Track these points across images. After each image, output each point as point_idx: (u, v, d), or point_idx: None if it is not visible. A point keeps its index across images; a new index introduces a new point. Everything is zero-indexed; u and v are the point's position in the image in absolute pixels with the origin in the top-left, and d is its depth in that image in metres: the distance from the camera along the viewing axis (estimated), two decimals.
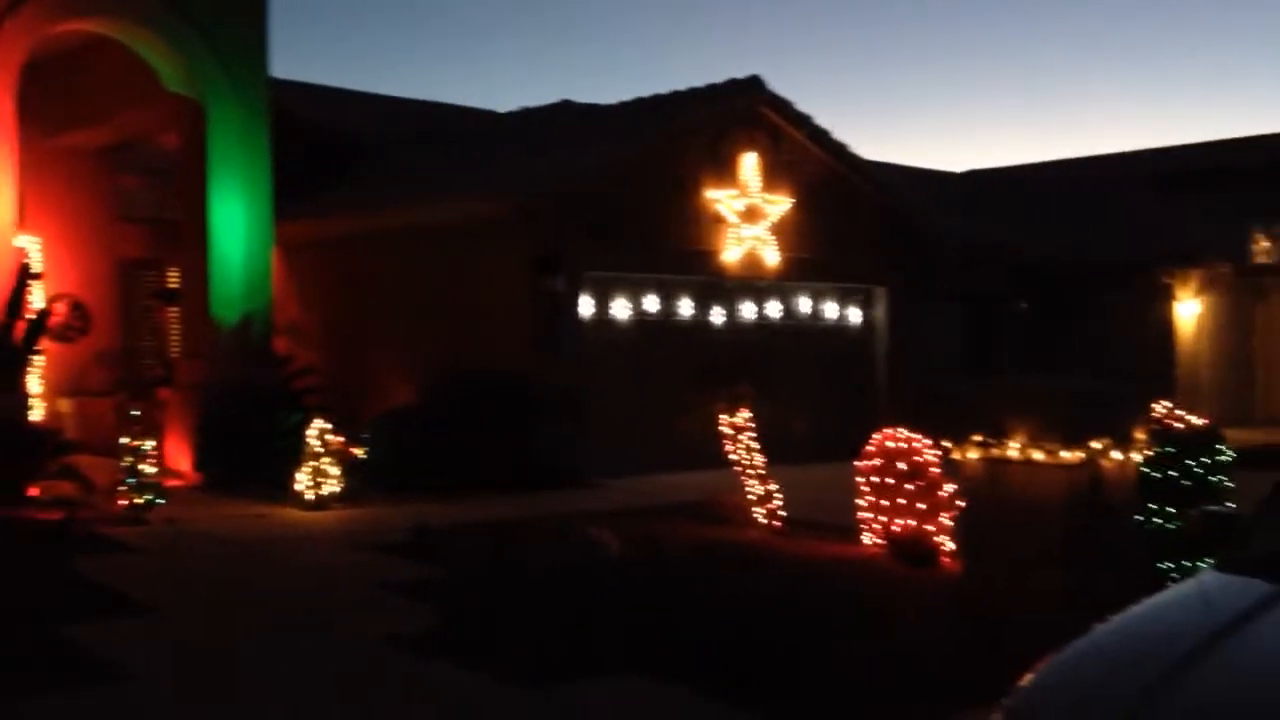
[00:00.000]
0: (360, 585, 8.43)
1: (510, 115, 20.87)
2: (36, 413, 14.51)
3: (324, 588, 8.47)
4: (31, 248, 15.39)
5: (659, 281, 15.13)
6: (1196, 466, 8.20)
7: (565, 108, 19.43)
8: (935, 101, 75.35)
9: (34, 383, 14.60)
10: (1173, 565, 7.71)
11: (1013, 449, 7.82)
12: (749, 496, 10.76)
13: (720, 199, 15.40)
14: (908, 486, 9.36)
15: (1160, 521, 8.07)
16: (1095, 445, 7.68)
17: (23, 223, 14.50)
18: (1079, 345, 19.79)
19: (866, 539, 9.73)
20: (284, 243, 15.52)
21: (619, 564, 8.96)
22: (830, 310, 17.11)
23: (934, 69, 75.21)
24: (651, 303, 15.02)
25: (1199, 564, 4.49)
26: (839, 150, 16.70)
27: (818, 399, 16.05)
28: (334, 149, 18.20)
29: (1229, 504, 7.59)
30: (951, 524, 9.08)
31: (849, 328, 17.37)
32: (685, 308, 15.39)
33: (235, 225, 13.84)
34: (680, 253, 15.08)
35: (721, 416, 10.90)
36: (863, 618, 7.71)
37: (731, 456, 10.85)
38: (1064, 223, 21.88)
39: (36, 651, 6.63)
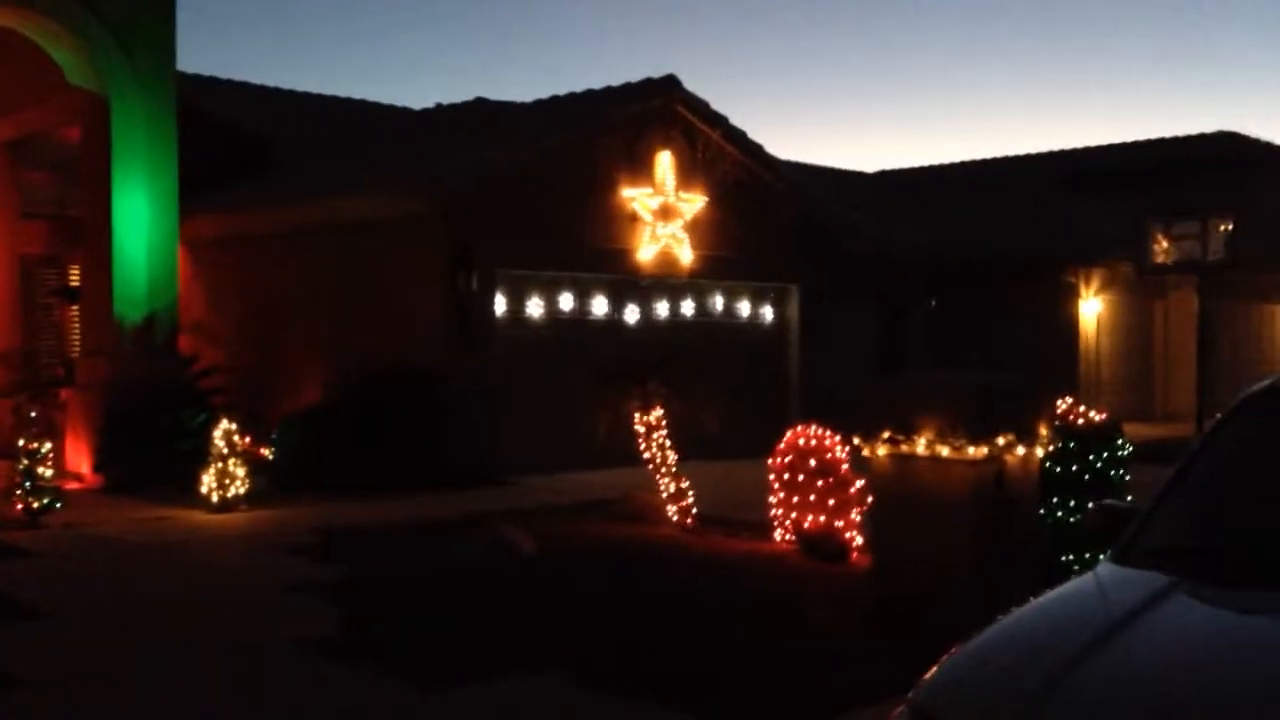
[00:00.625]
0: (266, 588, 8.27)
1: (425, 112, 20.68)
2: None
3: (228, 591, 8.29)
4: None
5: (574, 279, 15.09)
6: (1097, 461, 8.38)
7: (480, 105, 19.30)
8: (848, 102, 76.34)
9: None
10: (1073, 558, 7.87)
11: (920, 445, 7.92)
12: (662, 494, 10.78)
13: (636, 197, 15.41)
14: (818, 483, 9.45)
15: (1061, 515, 8.24)
16: (1000, 441, 7.82)
17: None
18: (987, 342, 20.17)
19: (778, 535, 9.80)
20: (191, 240, 15.18)
21: (531, 563, 8.92)
22: (744, 309, 17.23)
23: (848, 71, 76.20)
24: (566, 301, 14.98)
25: (1098, 557, 4.59)
26: (754, 150, 16.81)
27: (731, 397, 16.15)
28: (245, 145, 17.86)
29: (1127, 498, 7.79)
30: (861, 520, 9.18)
31: (762, 326, 17.51)
32: (600, 306, 15.38)
33: (139, 221, 13.51)
34: (595, 251, 15.06)
35: (635, 414, 10.90)
36: (773, 613, 7.76)
37: (645, 454, 10.86)
38: (973, 222, 22.30)
39: None
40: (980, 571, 7.59)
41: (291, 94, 21.40)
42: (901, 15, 78.85)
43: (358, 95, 23.08)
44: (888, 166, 31.26)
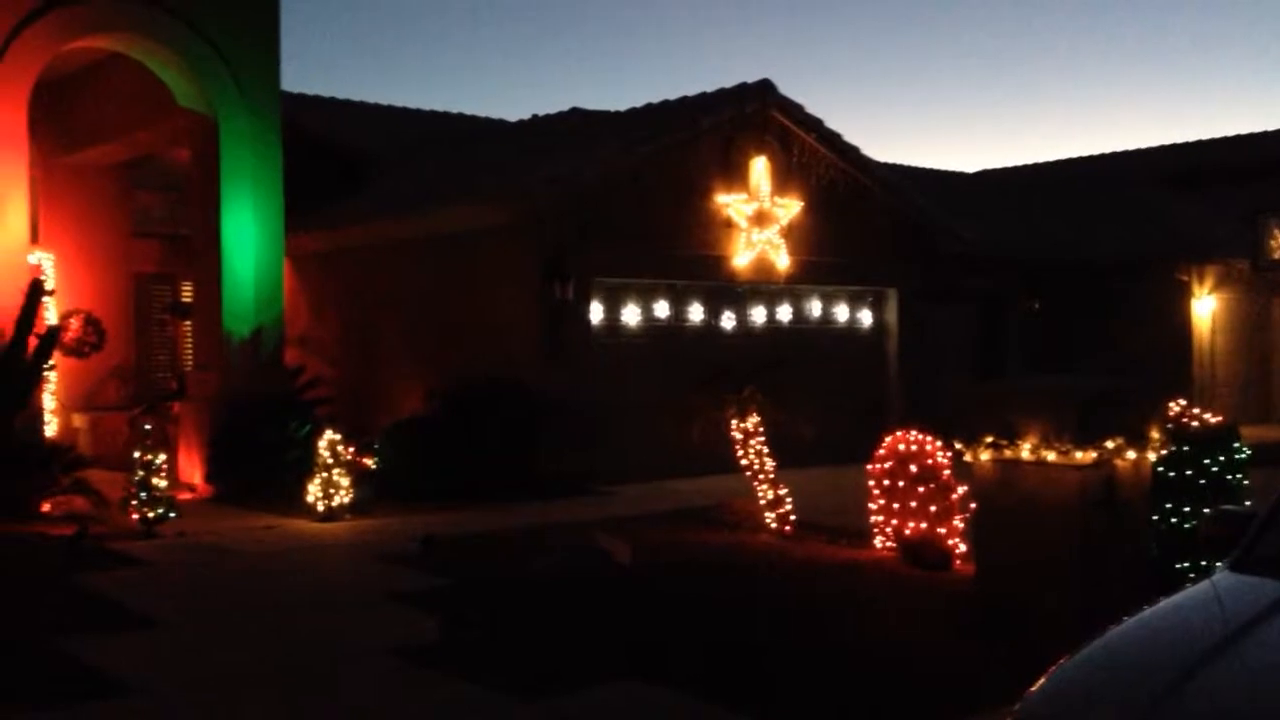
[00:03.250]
0: (368, 596, 8.40)
1: (521, 124, 20.89)
2: (50, 428, 14.57)
3: (332, 599, 8.44)
4: (46, 264, 15.47)
5: (669, 287, 15.09)
6: (1212, 465, 8.08)
7: (574, 115, 19.43)
8: (946, 102, 75.17)
9: (48, 398, 14.66)
10: (1188, 566, 7.60)
11: (1025, 450, 7.71)
12: (759, 501, 10.70)
13: (731, 203, 15.35)
14: (919, 489, 9.29)
15: (1176, 521, 7.97)
16: (1109, 445, 7.58)
17: (37, 239, 14.60)
18: (1093, 344, 19.64)
19: (878, 542, 9.65)
20: (295, 254, 15.54)
21: (628, 571, 8.91)
22: (841, 313, 17.04)
23: (944, 70, 75.04)
24: (662, 308, 14.98)
25: (1215, 565, 4.41)
26: (850, 153, 16.64)
27: (829, 402, 15.97)
28: (346, 161, 18.25)
29: (1245, 503, 7.49)
30: (963, 526, 9.00)
31: (860, 330, 17.29)
32: (696, 313, 15.34)
33: (247, 238, 13.86)
34: (691, 258, 15.04)
35: (732, 421, 10.84)
36: (872, 621, 7.64)
37: (742, 461, 10.79)
38: (1078, 221, 21.75)
39: (39, 666, 6.61)
40: (1088, 579, 7.37)
41: (391, 110, 21.82)
42: (1000, 12, 77.46)
43: (456, 109, 23.41)
44: (989, 166, 30.68)
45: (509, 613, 7.94)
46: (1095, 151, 31.91)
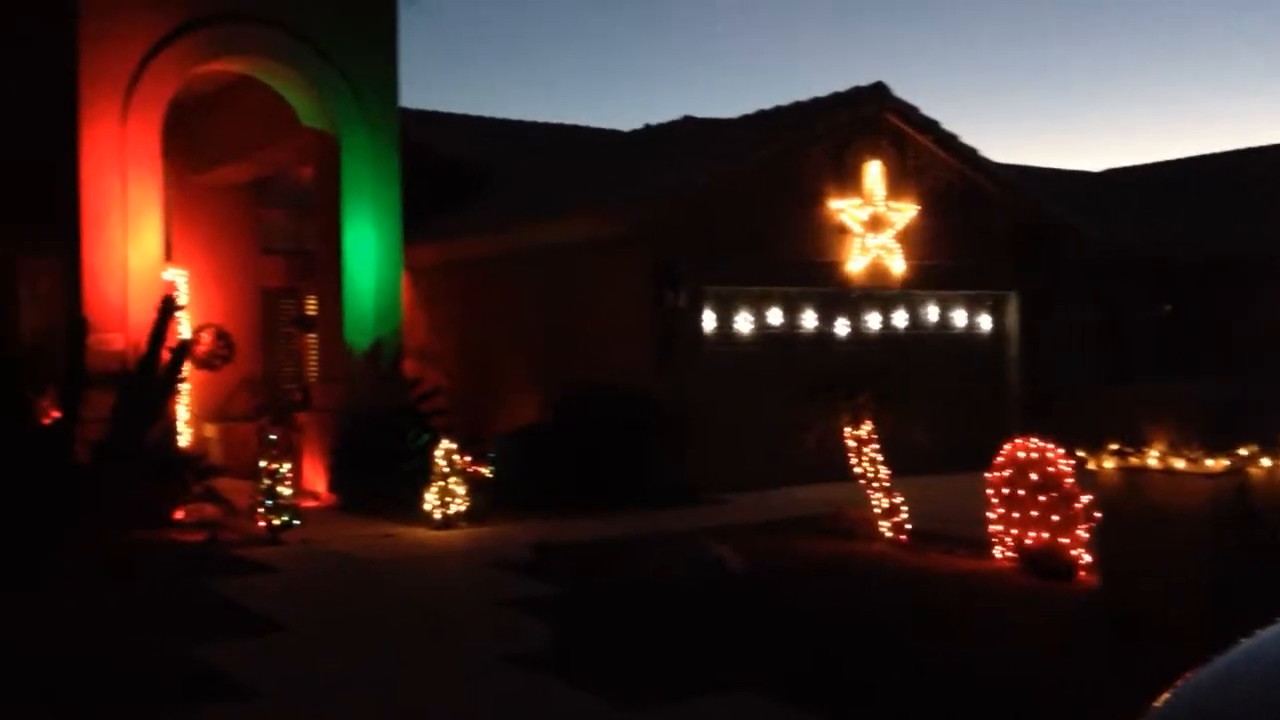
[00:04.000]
0: (483, 603, 8.52)
1: (633, 134, 21.01)
2: (184, 438, 15.14)
3: (448, 606, 8.57)
4: (180, 280, 16.09)
5: (782, 294, 14.97)
6: None
7: (687, 123, 19.46)
8: (1069, 99, 73.09)
9: (182, 410, 15.24)
10: None
11: (1152, 457, 7.43)
12: (874, 509, 10.53)
13: (844, 208, 15.19)
14: (1040, 498, 9.03)
15: None
16: (1243, 452, 7.27)
17: (171, 256, 15.19)
18: (1226, 348, 18.86)
19: (997, 552, 9.41)
20: (413, 267, 15.85)
21: (738, 579, 8.86)
22: (959, 318, 16.68)
23: (1068, 65, 72.99)
24: (774, 315, 14.87)
25: None
26: (967, 154, 16.32)
27: (947, 409, 15.63)
28: (461, 175, 18.57)
29: None
30: (1087, 536, 8.71)
31: (979, 335, 16.91)
32: (809, 320, 15.19)
33: (367, 252, 14.20)
34: (803, 264, 14.91)
35: (846, 429, 10.70)
36: (992, 632, 7.45)
37: (856, 469, 10.64)
38: (1210, 219, 20.92)
39: (169, 669, 6.86)
40: (1220, 590, 7.09)
41: (506, 123, 22.16)
42: (1118, 4, 75.07)
43: (570, 121, 23.68)
44: (1115, 165, 29.73)
45: (620, 620, 7.96)
46: (1225, 148, 30.72)
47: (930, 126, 15.96)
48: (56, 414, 10.13)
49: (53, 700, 6.34)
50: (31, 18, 13.59)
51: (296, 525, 11.24)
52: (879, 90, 15.58)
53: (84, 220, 12.54)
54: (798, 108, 16.52)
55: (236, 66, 14.07)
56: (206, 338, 15.88)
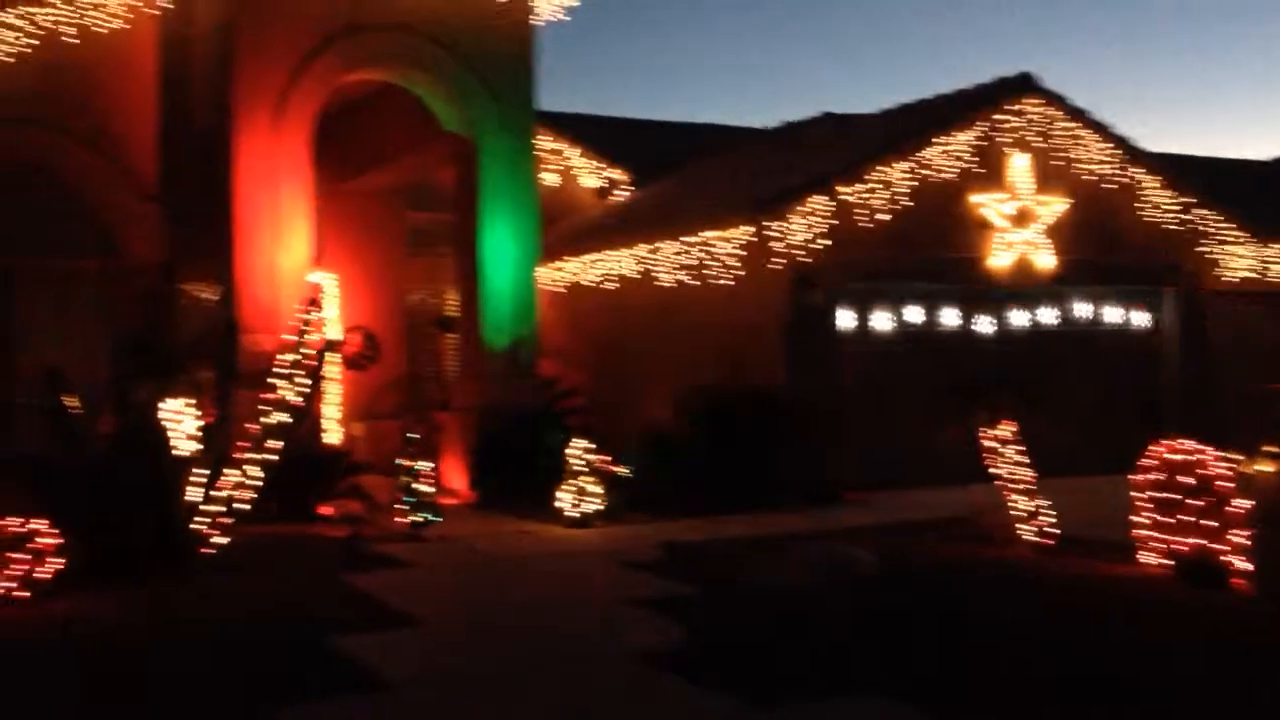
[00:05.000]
0: (615, 602, 8.54)
1: (772, 131, 20.83)
2: (334, 436, 15.64)
3: (580, 604, 8.63)
4: (329, 284, 16.64)
5: (922, 291, 14.64)
6: None
7: (827, 120, 19.22)
8: (1233, 85, 69.45)
9: (332, 409, 15.75)
10: None
11: None
12: (1015, 512, 10.19)
13: (987, 203, 14.78)
14: (1193, 502, 8.59)
15: None
16: None
17: (321, 260, 15.73)
18: None
19: (1146, 558, 8.98)
20: (549, 268, 16.01)
21: (873, 582, 8.68)
22: (1111, 314, 16.01)
23: (1229, 50, 69.38)
24: (913, 313, 14.53)
25: None
26: (1120, 143, 15.70)
27: (1096, 409, 15.06)
28: (597, 176, 18.70)
29: None
30: (1244, 543, 8.25)
31: (1132, 332, 16.19)
32: (950, 317, 14.80)
33: (505, 254, 14.44)
34: (944, 260, 14.56)
35: (986, 429, 10.39)
36: (1137, 641, 7.12)
37: (996, 471, 10.32)
38: None
39: (308, 661, 7.07)
40: None
41: (642, 123, 22.24)
42: None
43: (709, 120, 23.62)
44: None
45: (751, 621, 7.89)
46: None
47: (1079, 115, 15.42)
48: (211, 412, 10.58)
49: (196, 684, 6.61)
50: (192, 38, 14.27)
51: (436, 522, 11.48)
52: (1026, 80, 15.13)
53: (237, 227, 13.09)
54: (939, 100, 16.13)
55: (381, 75, 14.48)
56: (353, 338, 16.36)
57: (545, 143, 17.03)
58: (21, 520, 8.60)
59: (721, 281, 14.36)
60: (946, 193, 14.61)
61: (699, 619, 7.94)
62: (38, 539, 8.59)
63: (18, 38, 14.15)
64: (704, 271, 14.65)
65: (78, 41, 14.43)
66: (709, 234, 14.47)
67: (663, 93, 69.12)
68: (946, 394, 10.65)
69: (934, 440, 12.91)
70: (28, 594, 8.46)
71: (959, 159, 14.69)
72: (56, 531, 8.71)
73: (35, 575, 8.53)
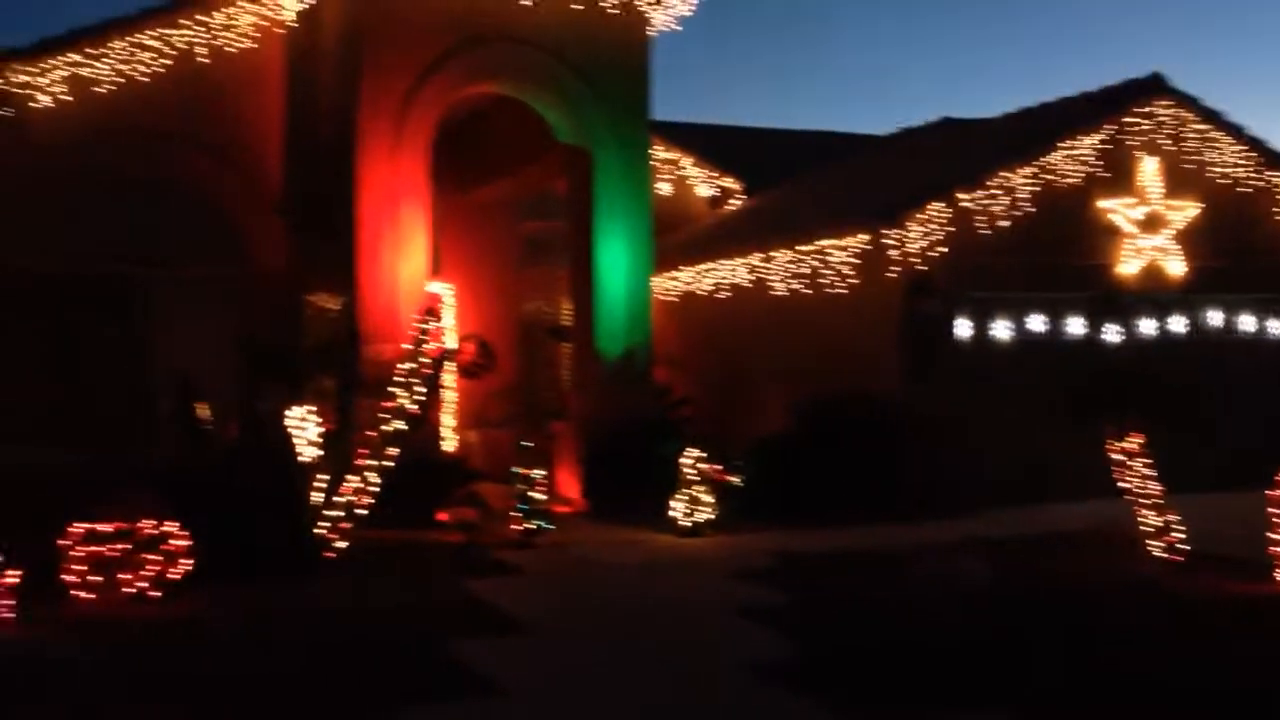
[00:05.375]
0: (725, 610, 8.51)
1: (890, 138, 20.59)
2: (450, 444, 15.90)
3: (690, 612, 8.62)
4: (446, 293, 16.94)
5: (1045, 300, 14.23)
6: None
7: (945, 125, 18.91)
8: None
9: (448, 417, 16.02)
10: None
11: None
12: (1143, 528, 9.83)
13: (1115, 208, 14.35)
14: None
15: None
16: None
17: (438, 270, 16.02)
18: None
19: None
20: (662, 277, 16.05)
21: (993, 596, 8.47)
22: (1247, 322, 15.34)
23: None
24: (1035, 321, 14.13)
25: None
26: (1256, 146, 15.10)
27: (1232, 420, 14.45)
28: (710, 184, 18.68)
29: None
30: None
31: (1267, 342, 15.48)
32: (1074, 326, 14.34)
33: (618, 264, 14.51)
34: (1069, 268, 14.16)
35: (1112, 441, 10.06)
36: (1273, 661, 6.79)
37: (1123, 485, 9.98)
38: None
39: (424, 664, 7.20)
40: None
41: (757, 131, 22.17)
42: None
43: (824, 128, 23.39)
44: None
45: (863, 633, 7.77)
46: None
47: (1213, 117, 14.89)
48: (333, 419, 10.86)
49: (319, 682, 6.77)
50: (317, 55, 14.69)
51: (549, 530, 11.58)
52: (1156, 81, 14.69)
53: (360, 238, 13.40)
54: (1064, 104, 15.73)
55: (497, 88, 14.68)
56: (469, 347, 16.60)
57: (659, 152, 17.07)
58: (155, 523, 8.93)
59: (837, 290, 14.21)
60: (1071, 198, 14.22)
61: (811, 630, 7.86)
62: (170, 541, 8.91)
63: (153, 58, 14.74)
64: (819, 280, 14.51)
65: (209, 61, 14.98)
66: (824, 242, 14.33)
67: (777, 100, 68.79)
68: (1070, 405, 10.33)
69: (1055, 452, 12.57)
70: (159, 593, 8.78)
71: (1085, 163, 14.30)
72: (187, 534, 9.03)
73: (167, 575, 8.86)
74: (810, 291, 14.73)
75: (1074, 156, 14.28)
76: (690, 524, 11.70)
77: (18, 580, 7.93)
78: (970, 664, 6.91)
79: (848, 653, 7.32)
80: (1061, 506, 12.55)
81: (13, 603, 7.85)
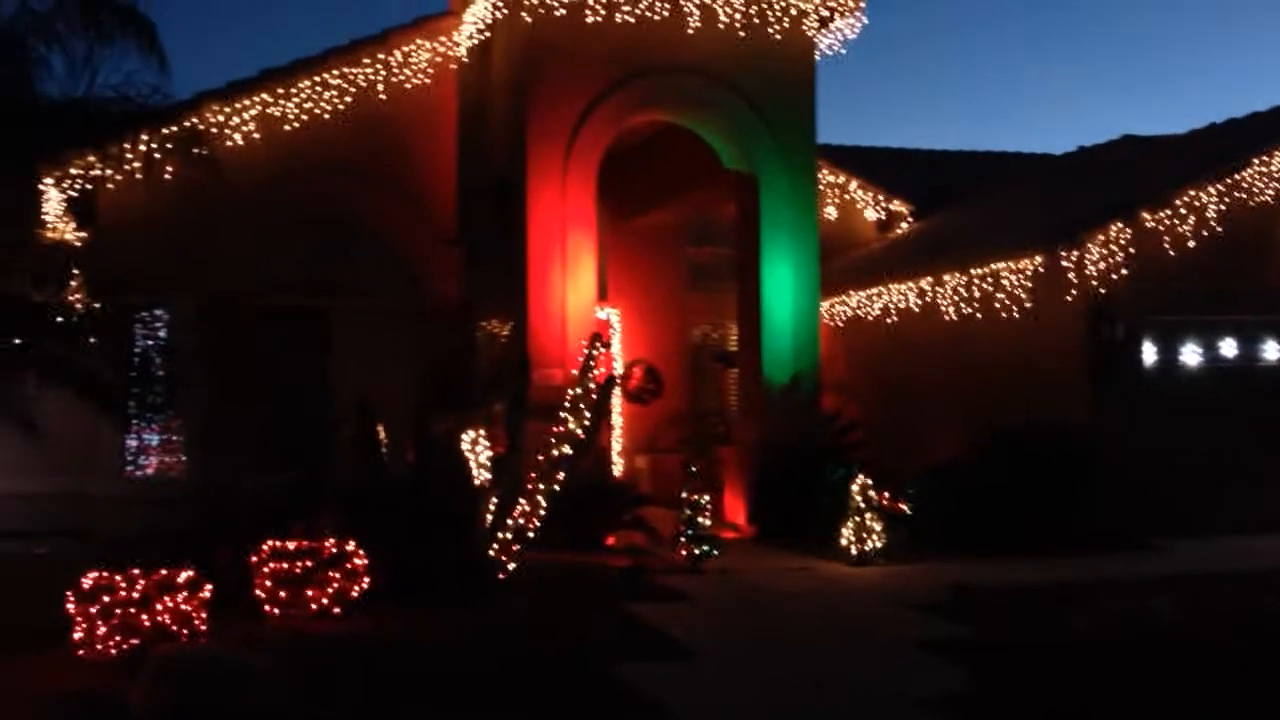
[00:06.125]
0: (896, 643, 8.31)
1: (1067, 156, 19.92)
2: (618, 469, 16.04)
3: (861, 643, 8.44)
4: (614, 318, 17.14)
5: (1237, 324, 13.51)
6: None
7: (1126, 143, 18.20)
8: None
9: (615, 441, 16.17)
10: None
11: None
12: None
13: None
14: None
15: None
16: None
17: (606, 296, 16.23)
18: None
19: None
20: (830, 302, 15.89)
21: (1180, 638, 8.03)
22: None
23: None
24: (1227, 347, 13.41)
25: None
26: None
27: None
28: (879, 208, 18.42)
29: None
30: None
31: None
32: (1271, 351, 13.55)
33: (785, 289, 14.41)
34: (1262, 290, 13.42)
35: None
36: None
37: None
38: None
39: (593, 684, 7.26)
40: None
41: (927, 154, 21.75)
42: None
43: (997, 148, 22.81)
44: None
45: (1042, 672, 7.47)
46: None
47: None
48: (503, 443, 11.09)
49: (491, 697, 6.89)
50: (488, 90, 15.12)
51: (716, 555, 11.52)
52: None
53: (529, 267, 13.68)
54: (1256, 119, 14.95)
55: (663, 115, 14.82)
56: (637, 373, 16.75)
57: (825, 176, 16.93)
58: (336, 541, 9.27)
59: (1012, 315, 13.78)
60: (1264, 217, 13.48)
61: (989, 667, 7.59)
62: (351, 560, 9.23)
63: (336, 96, 15.42)
64: (992, 304, 14.11)
65: (387, 98, 15.58)
66: (998, 265, 13.94)
67: (946, 121, 67.46)
68: (1269, 434, 9.75)
69: (1248, 484, 11.89)
70: (340, 609, 9.09)
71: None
72: (365, 552, 9.33)
73: (348, 593, 9.17)
74: (986, 316, 14.33)
75: (1268, 174, 13.55)
76: (859, 553, 11.48)
77: (210, 595, 8.31)
78: (1162, 710, 6.56)
79: (1032, 693, 7.04)
80: (1255, 540, 11.88)
81: (205, 615, 8.22)
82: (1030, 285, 13.50)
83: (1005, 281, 13.84)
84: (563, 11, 13.69)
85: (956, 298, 14.78)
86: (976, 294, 14.38)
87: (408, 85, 15.74)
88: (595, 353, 11.49)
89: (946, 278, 14.87)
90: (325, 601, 9.05)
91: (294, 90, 15.19)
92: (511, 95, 14.30)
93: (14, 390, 10.02)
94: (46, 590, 8.46)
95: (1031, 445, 12.45)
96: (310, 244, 14.93)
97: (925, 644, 8.23)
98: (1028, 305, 13.58)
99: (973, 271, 14.39)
